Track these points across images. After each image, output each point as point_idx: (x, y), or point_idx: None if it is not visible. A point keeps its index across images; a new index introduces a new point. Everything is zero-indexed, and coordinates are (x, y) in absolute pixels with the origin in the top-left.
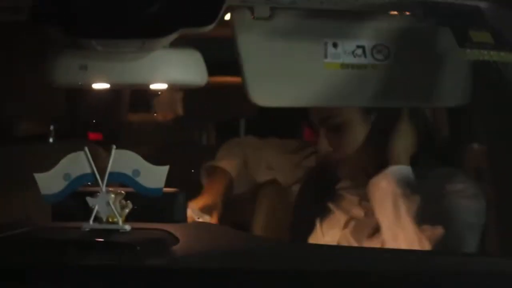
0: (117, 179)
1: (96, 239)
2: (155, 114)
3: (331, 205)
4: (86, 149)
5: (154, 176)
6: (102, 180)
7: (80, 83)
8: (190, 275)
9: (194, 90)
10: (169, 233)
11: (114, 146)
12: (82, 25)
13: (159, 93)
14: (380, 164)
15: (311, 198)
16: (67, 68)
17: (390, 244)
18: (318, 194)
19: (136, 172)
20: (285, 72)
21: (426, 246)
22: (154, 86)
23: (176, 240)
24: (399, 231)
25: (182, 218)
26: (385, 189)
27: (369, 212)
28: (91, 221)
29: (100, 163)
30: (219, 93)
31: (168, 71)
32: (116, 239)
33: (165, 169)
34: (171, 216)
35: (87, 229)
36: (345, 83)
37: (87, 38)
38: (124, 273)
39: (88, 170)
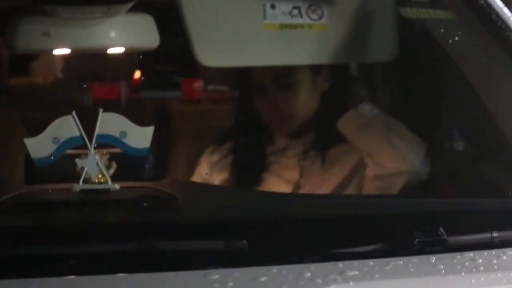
0: (105, 141)
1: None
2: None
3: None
4: (74, 113)
5: (141, 137)
6: (90, 142)
7: (42, 49)
8: (202, 227)
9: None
10: (162, 190)
11: (101, 109)
12: None
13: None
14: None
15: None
16: (29, 34)
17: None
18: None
19: (123, 134)
20: (228, 34)
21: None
22: (111, 50)
23: (173, 196)
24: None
25: (156, 176)
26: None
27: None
28: (80, 182)
29: None
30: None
31: (125, 36)
32: (115, 197)
33: (150, 129)
34: (146, 175)
35: (77, 190)
36: (284, 42)
37: (55, 4)
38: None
39: (77, 133)
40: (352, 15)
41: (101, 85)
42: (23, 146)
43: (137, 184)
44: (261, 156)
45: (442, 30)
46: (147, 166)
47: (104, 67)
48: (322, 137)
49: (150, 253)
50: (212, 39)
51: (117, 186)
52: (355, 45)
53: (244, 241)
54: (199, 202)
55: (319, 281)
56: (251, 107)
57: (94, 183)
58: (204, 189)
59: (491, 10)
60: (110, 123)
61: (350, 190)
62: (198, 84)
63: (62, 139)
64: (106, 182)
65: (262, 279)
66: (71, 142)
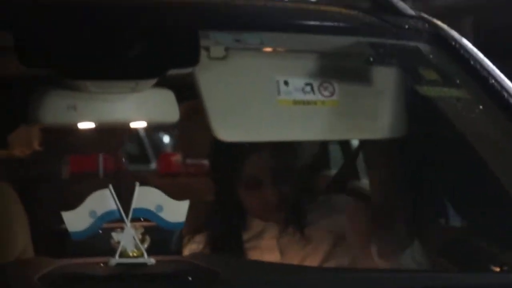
0: (141, 215)
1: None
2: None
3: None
4: (111, 186)
5: (176, 210)
6: (127, 216)
7: (67, 123)
8: None
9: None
10: (196, 264)
11: (138, 183)
12: (76, 68)
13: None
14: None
15: None
16: (55, 108)
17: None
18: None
19: (159, 207)
20: (244, 109)
21: None
22: (134, 125)
23: (213, 271)
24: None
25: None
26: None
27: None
28: (117, 256)
29: None
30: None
31: (149, 110)
32: (154, 271)
33: (186, 203)
34: (178, 248)
35: (113, 264)
36: (298, 118)
37: (82, 80)
38: None
39: (113, 207)
40: (363, 91)
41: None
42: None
43: (171, 258)
44: (239, 243)
45: (455, 108)
46: (177, 239)
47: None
48: (297, 214)
49: None
50: (228, 114)
51: (153, 260)
52: (366, 121)
53: None
54: (243, 277)
55: None
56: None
57: (130, 257)
58: (242, 263)
59: (502, 89)
60: (146, 196)
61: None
62: (176, 157)
63: (99, 212)
64: (141, 256)
65: None
66: (108, 216)
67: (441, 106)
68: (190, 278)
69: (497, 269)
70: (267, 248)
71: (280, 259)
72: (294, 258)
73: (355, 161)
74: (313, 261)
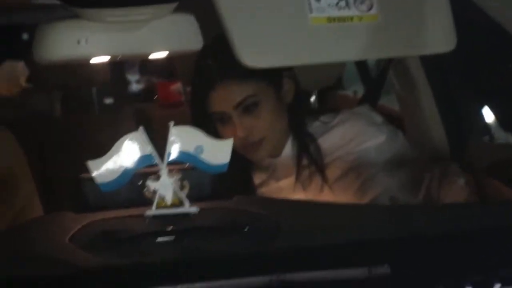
0: (179, 159)
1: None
2: None
3: None
4: (142, 128)
5: (219, 151)
6: (163, 160)
7: (80, 58)
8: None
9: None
10: (249, 211)
11: (172, 123)
12: None
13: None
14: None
15: None
16: (64, 42)
17: None
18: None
19: (199, 149)
20: (271, 31)
21: None
22: (154, 55)
23: (270, 218)
24: None
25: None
26: None
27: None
28: (154, 207)
29: None
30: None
31: (168, 39)
32: (204, 222)
33: (229, 142)
34: (220, 193)
35: (150, 216)
36: (333, 37)
37: (95, 7)
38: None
39: (147, 151)
40: (405, 2)
41: None
42: None
43: (216, 204)
44: (253, 186)
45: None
46: (218, 183)
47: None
48: (303, 142)
49: None
50: (254, 37)
51: (195, 208)
52: (410, 36)
53: (387, 265)
54: (306, 223)
55: None
56: None
57: (169, 206)
58: (297, 206)
59: None
60: (183, 138)
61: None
62: (176, 86)
63: (131, 159)
64: (182, 205)
65: None
66: (141, 162)
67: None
68: (246, 229)
69: None
70: (289, 188)
71: (305, 197)
72: (317, 193)
73: (384, 80)
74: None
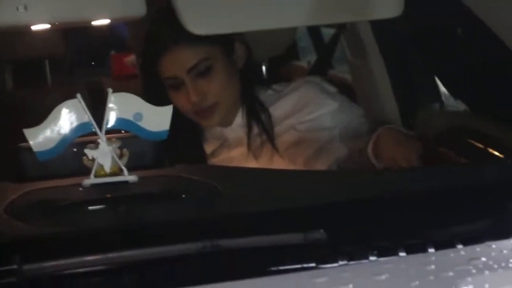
0: (117, 126)
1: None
2: None
3: None
4: (79, 96)
5: (158, 118)
6: (101, 128)
7: (19, 25)
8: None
9: None
10: (189, 178)
11: (111, 90)
12: None
13: None
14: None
15: None
16: (3, 9)
17: None
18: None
19: (138, 116)
20: None
21: None
22: (96, 22)
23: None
24: None
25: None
26: None
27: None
28: (92, 176)
29: None
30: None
31: (110, 5)
32: (142, 190)
33: (169, 109)
34: (160, 161)
35: (88, 185)
36: (280, 2)
37: None
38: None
39: (84, 119)
40: None
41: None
42: None
43: (155, 172)
44: (203, 154)
45: None
46: (158, 151)
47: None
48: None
49: (214, 257)
50: (199, 3)
51: (134, 177)
52: (357, 1)
53: (322, 230)
54: (245, 190)
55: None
56: None
57: (108, 175)
58: (237, 173)
59: None
60: (121, 104)
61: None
62: (130, 58)
63: (68, 127)
64: (121, 173)
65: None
66: (79, 130)
67: None
68: (184, 196)
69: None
70: (239, 159)
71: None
72: (269, 162)
73: (334, 48)
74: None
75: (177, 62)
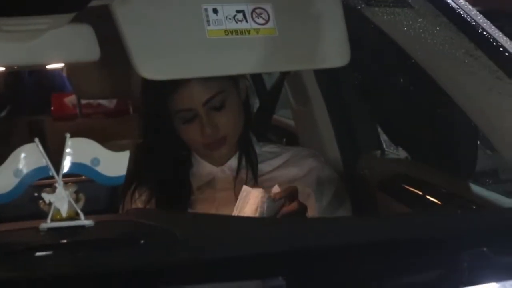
0: (74, 170)
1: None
2: None
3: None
4: (37, 140)
5: (115, 163)
6: (58, 173)
7: None
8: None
9: None
10: (145, 224)
11: (69, 135)
12: None
13: None
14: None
15: None
16: None
17: None
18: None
19: (96, 161)
20: (169, 43)
21: None
22: (51, 66)
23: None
24: None
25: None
26: None
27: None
28: (49, 220)
29: None
30: None
31: (65, 49)
32: (100, 234)
33: (126, 154)
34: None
35: (45, 229)
36: (231, 50)
37: None
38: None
39: (42, 163)
40: (301, 17)
41: None
42: None
43: (112, 217)
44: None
45: (404, 27)
46: (113, 196)
47: None
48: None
49: None
50: (152, 50)
51: (90, 222)
52: (306, 49)
53: (280, 278)
54: (203, 236)
55: None
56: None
57: (64, 219)
58: (201, 219)
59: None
60: (79, 149)
61: None
62: (70, 98)
63: (25, 170)
64: (78, 218)
65: None
66: (36, 174)
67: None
68: (142, 241)
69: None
70: (223, 201)
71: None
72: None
73: (278, 94)
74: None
75: (194, 95)
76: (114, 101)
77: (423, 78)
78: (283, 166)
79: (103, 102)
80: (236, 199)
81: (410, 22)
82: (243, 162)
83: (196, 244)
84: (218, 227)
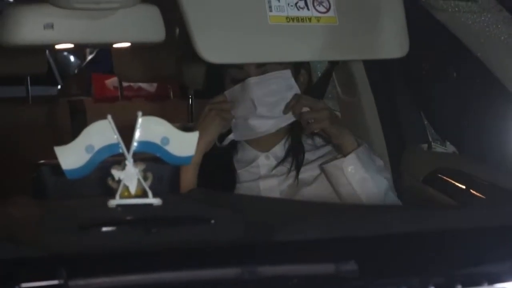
0: (144, 149)
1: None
2: None
3: None
4: (110, 117)
5: (184, 143)
6: (128, 150)
7: (45, 43)
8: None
9: None
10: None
11: (140, 113)
12: None
13: None
14: None
15: None
16: (31, 27)
17: None
18: None
19: (165, 140)
20: (231, 28)
21: None
22: (117, 45)
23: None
24: None
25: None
26: None
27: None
28: (117, 196)
29: None
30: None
31: (132, 29)
32: (168, 213)
33: (195, 135)
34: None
35: (113, 206)
36: (292, 36)
37: None
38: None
39: (113, 140)
40: (362, 6)
41: None
42: None
43: (179, 197)
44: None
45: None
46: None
47: None
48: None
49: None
50: (215, 33)
51: (158, 200)
52: (367, 39)
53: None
54: (273, 218)
55: None
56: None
57: (133, 197)
58: (263, 202)
59: None
60: (150, 128)
61: None
62: (111, 80)
63: (97, 147)
64: (145, 196)
65: None
66: (107, 151)
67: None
68: (213, 221)
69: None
70: (266, 190)
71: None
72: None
73: (327, 83)
74: None
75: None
76: (155, 85)
77: (477, 71)
78: (327, 155)
79: (144, 85)
80: (279, 187)
81: (474, 16)
82: (289, 152)
83: (267, 226)
84: (285, 211)
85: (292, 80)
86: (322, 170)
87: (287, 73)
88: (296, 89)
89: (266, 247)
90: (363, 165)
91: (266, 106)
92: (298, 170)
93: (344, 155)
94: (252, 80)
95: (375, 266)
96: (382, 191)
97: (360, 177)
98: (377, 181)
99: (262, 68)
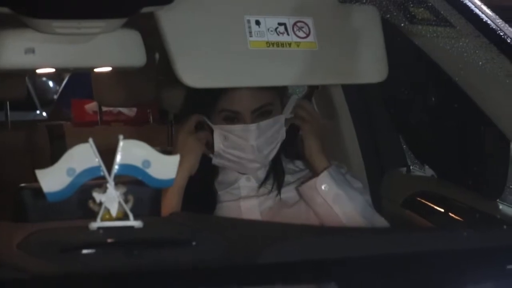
0: (125, 172)
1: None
2: None
3: None
4: (91, 140)
5: (166, 166)
6: (110, 173)
7: (26, 68)
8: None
9: None
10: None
11: (122, 136)
12: (44, 6)
13: None
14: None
15: None
16: (12, 52)
17: None
18: None
19: (147, 163)
20: (212, 53)
21: None
22: (98, 69)
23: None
24: None
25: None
26: None
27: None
28: (98, 219)
29: None
30: None
31: (113, 54)
32: (149, 235)
33: (176, 158)
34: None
35: (95, 228)
36: (272, 61)
37: (49, 18)
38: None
39: (95, 163)
40: (341, 32)
41: None
42: None
43: (160, 220)
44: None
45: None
46: (159, 198)
47: None
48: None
49: None
50: (195, 58)
51: (139, 222)
52: (345, 64)
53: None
54: (253, 241)
55: None
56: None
57: (114, 219)
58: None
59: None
60: (131, 151)
61: None
62: (91, 105)
63: (78, 170)
64: (127, 218)
65: None
66: (88, 174)
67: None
68: (194, 243)
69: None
70: (247, 210)
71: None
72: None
73: None
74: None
75: (245, 101)
76: (135, 109)
77: (455, 96)
78: (307, 178)
79: (123, 110)
80: (259, 207)
81: (452, 41)
82: (270, 173)
83: (249, 249)
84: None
85: (283, 126)
86: (298, 192)
87: (281, 118)
88: (282, 133)
89: (247, 269)
90: (335, 182)
91: (262, 152)
92: (279, 191)
93: (317, 175)
94: (252, 127)
95: (356, 287)
96: (358, 206)
97: (334, 193)
98: (352, 196)
99: (257, 111)
